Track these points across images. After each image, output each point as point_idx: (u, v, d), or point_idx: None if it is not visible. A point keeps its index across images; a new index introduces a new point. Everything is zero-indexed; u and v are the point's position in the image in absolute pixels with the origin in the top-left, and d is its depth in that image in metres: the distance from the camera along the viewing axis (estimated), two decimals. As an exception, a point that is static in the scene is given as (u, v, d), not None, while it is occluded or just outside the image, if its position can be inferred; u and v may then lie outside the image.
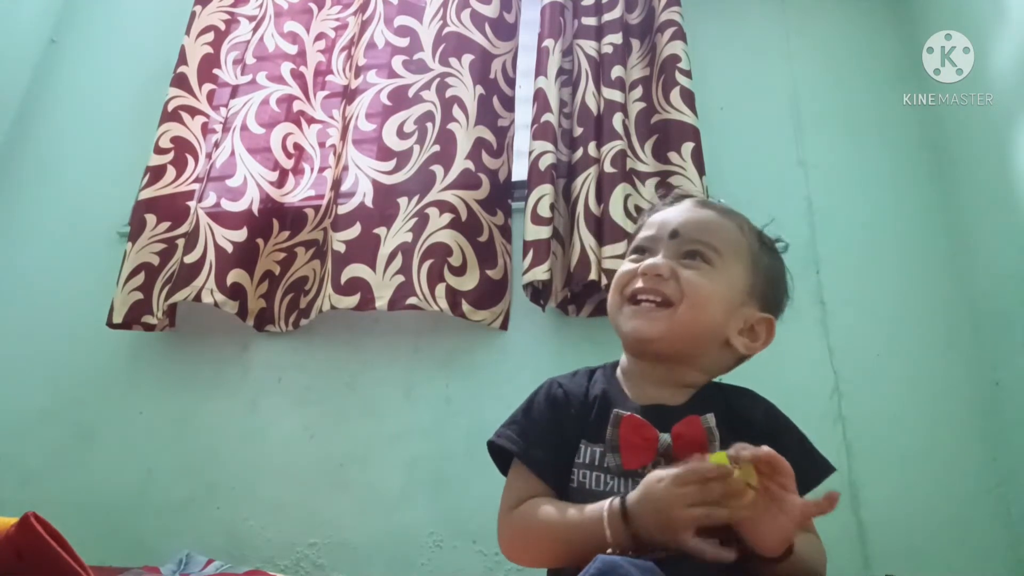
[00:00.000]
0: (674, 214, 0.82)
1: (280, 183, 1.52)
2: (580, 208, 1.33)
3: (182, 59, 1.63)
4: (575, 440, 0.75)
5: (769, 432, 0.74)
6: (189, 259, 1.39)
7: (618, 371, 0.82)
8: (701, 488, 0.60)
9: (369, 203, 1.41)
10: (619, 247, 1.28)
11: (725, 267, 0.77)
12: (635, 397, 0.77)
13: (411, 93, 1.50)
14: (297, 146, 1.56)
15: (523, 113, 1.51)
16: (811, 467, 0.74)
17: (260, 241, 1.46)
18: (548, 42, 1.48)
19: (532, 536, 0.72)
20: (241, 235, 1.43)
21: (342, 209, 1.41)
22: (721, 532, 0.62)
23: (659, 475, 0.63)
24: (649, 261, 0.78)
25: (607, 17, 1.52)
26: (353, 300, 1.33)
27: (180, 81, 1.60)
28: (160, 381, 1.46)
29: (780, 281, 0.82)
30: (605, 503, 0.66)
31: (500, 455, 0.81)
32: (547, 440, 0.76)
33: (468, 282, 1.37)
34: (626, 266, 0.81)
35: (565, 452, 0.75)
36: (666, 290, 0.75)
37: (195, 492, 1.35)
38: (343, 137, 1.49)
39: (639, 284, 0.77)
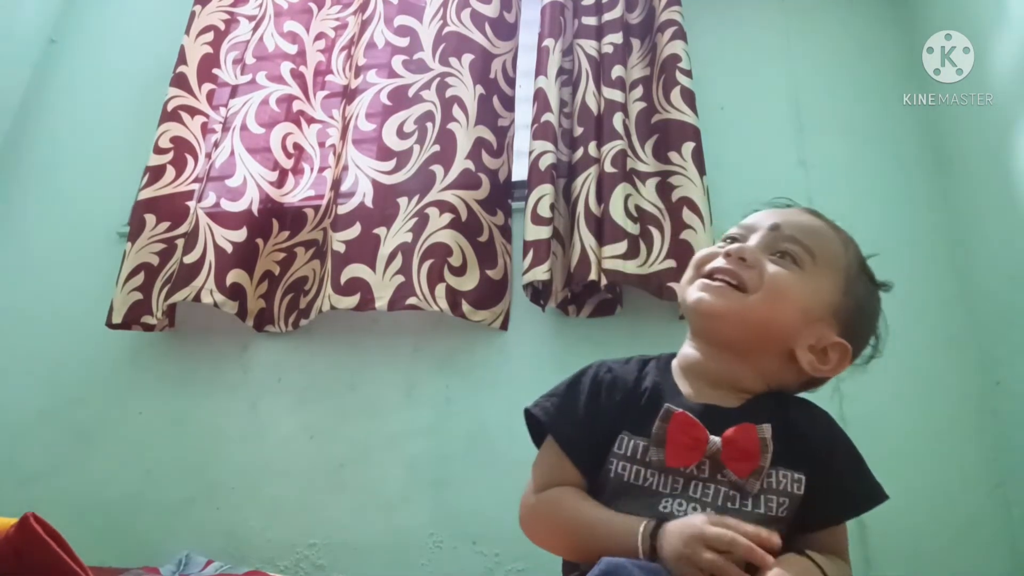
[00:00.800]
0: (778, 212, 0.79)
1: (280, 183, 1.52)
2: (580, 208, 1.33)
3: (182, 59, 1.62)
4: (615, 429, 0.73)
5: (825, 450, 0.71)
6: (189, 259, 1.39)
7: (673, 364, 0.78)
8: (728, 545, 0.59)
9: (369, 203, 1.41)
10: (619, 247, 1.27)
11: (816, 275, 0.73)
12: (688, 394, 0.73)
13: (411, 93, 1.50)
14: (297, 146, 1.56)
15: (523, 113, 1.51)
16: (862, 492, 0.71)
17: (260, 241, 1.46)
18: (548, 42, 1.48)
19: (558, 529, 0.72)
20: (241, 235, 1.42)
21: (342, 209, 1.41)
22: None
23: (698, 526, 0.61)
24: (737, 244, 0.75)
25: (607, 17, 1.51)
26: (353, 300, 1.33)
27: (180, 81, 1.60)
28: (159, 381, 1.46)
29: (871, 317, 0.77)
30: (640, 525, 0.64)
31: (535, 426, 0.80)
32: (583, 421, 0.74)
33: (468, 282, 1.36)
34: (711, 248, 0.78)
35: (601, 437, 0.73)
36: (745, 275, 0.72)
37: (195, 492, 1.35)
38: (343, 137, 1.49)
39: (719, 263, 0.74)
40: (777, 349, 0.73)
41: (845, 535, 0.73)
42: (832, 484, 0.70)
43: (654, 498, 0.69)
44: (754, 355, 0.73)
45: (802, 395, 0.79)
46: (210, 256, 1.40)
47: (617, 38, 1.48)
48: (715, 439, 0.68)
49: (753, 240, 0.75)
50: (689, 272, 0.78)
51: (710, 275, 0.75)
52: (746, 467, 0.68)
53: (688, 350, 0.78)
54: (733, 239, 0.78)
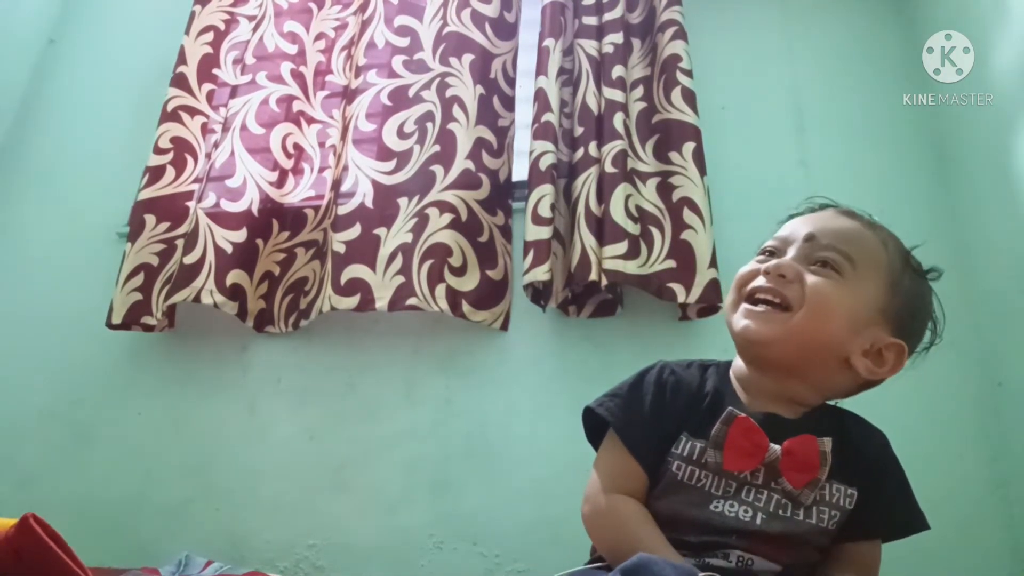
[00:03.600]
0: (812, 219, 0.77)
1: (280, 183, 1.51)
2: (581, 208, 1.32)
3: (181, 59, 1.62)
4: (676, 430, 0.73)
5: (877, 471, 0.73)
6: (188, 260, 1.39)
7: (731, 373, 0.79)
8: None
9: (369, 203, 1.41)
10: (620, 247, 1.27)
11: (858, 280, 0.71)
12: (748, 403, 0.74)
13: (411, 93, 1.50)
14: (297, 146, 1.56)
15: (523, 113, 1.51)
16: (905, 518, 0.73)
17: (260, 242, 1.46)
18: (549, 41, 1.48)
19: (617, 546, 0.70)
20: (241, 235, 1.42)
21: (342, 209, 1.41)
22: None
23: None
24: (774, 261, 0.74)
25: (608, 16, 1.51)
26: (353, 301, 1.33)
27: (179, 81, 1.60)
28: (159, 382, 1.46)
29: (923, 309, 0.76)
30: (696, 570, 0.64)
31: (593, 424, 0.80)
32: (649, 421, 0.74)
33: (468, 282, 1.36)
34: (750, 265, 0.77)
35: (664, 437, 0.74)
36: (787, 292, 0.72)
37: (194, 493, 1.35)
38: (343, 137, 1.49)
39: (759, 283, 0.74)
40: (831, 361, 0.72)
41: (879, 553, 0.74)
42: (880, 503, 0.72)
43: (706, 498, 0.71)
44: (808, 371, 0.73)
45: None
46: (210, 256, 1.39)
47: (618, 38, 1.48)
48: (775, 447, 0.69)
49: (790, 253, 0.74)
50: (732, 294, 0.78)
51: (752, 296, 0.74)
52: (803, 478, 0.68)
53: (742, 364, 0.77)
54: (771, 252, 0.77)
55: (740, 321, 0.74)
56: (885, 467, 0.74)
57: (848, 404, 0.82)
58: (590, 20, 1.52)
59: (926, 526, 0.73)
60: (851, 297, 0.71)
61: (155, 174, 1.51)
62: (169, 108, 1.57)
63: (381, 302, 1.32)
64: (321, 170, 1.55)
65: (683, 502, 0.71)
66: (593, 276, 1.26)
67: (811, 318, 0.70)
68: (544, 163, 1.36)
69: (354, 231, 1.39)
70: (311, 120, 1.60)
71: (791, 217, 0.81)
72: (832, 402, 0.78)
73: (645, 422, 0.75)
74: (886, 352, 0.72)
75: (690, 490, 0.71)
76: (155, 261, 1.46)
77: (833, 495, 0.71)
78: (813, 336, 0.70)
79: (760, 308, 0.73)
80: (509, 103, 1.54)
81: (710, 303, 1.25)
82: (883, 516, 0.72)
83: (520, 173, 1.49)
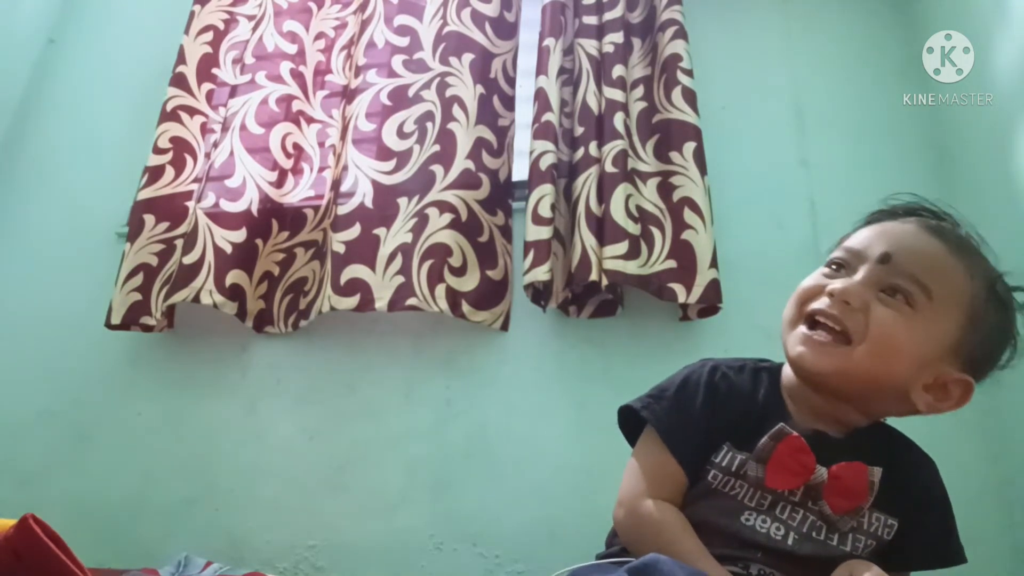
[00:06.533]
0: (892, 234, 0.68)
1: (279, 183, 1.51)
2: (581, 208, 1.32)
3: (181, 59, 1.62)
4: (721, 438, 0.70)
5: (924, 500, 0.70)
6: (188, 260, 1.38)
7: (783, 379, 0.74)
8: None
9: (369, 203, 1.41)
10: (620, 247, 1.27)
11: (933, 316, 0.64)
12: (797, 418, 0.71)
13: (411, 93, 1.50)
14: (296, 146, 1.56)
15: (524, 113, 1.51)
16: (945, 549, 0.70)
17: (259, 242, 1.46)
18: (549, 41, 1.48)
19: (660, 552, 0.68)
20: (240, 235, 1.42)
21: (342, 209, 1.41)
22: None
23: None
24: (842, 284, 0.66)
25: (608, 16, 1.51)
26: (353, 301, 1.33)
27: (179, 81, 1.60)
28: (158, 382, 1.45)
29: (1001, 343, 0.68)
30: None
31: (631, 421, 0.77)
32: (697, 427, 0.71)
33: (468, 283, 1.36)
34: (815, 279, 0.70)
35: (709, 444, 0.71)
36: (849, 323, 0.65)
37: (194, 494, 1.35)
38: (343, 137, 1.49)
39: (821, 304, 0.67)
40: (889, 394, 0.67)
41: None
42: (921, 537, 0.69)
43: (737, 508, 0.68)
44: (864, 402, 0.69)
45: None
46: (209, 256, 1.39)
47: (618, 37, 1.48)
48: (821, 469, 0.65)
49: (860, 274, 0.67)
50: (792, 310, 0.71)
51: (812, 317, 0.68)
52: (846, 505, 0.66)
53: (793, 375, 0.73)
54: (840, 265, 0.70)
55: (796, 347, 0.68)
56: (931, 497, 0.71)
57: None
58: (590, 20, 1.51)
59: (962, 559, 0.70)
60: (922, 335, 0.64)
61: (154, 174, 1.51)
62: (168, 108, 1.57)
63: (381, 302, 1.32)
64: (321, 170, 1.55)
65: (713, 510, 0.69)
66: (593, 276, 1.25)
67: (873, 356, 0.64)
68: (544, 163, 1.36)
69: (354, 231, 1.39)
70: (311, 120, 1.59)
71: (870, 219, 0.73)
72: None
73: (693, 427, 0.71)
74: (952, 387, 0.66)
75: (723, 497, 0.69)
76: (154, 261, 1.46)
77: (872, 524, 0.68)
78: (872, 373, 0.65)
79: (819, 335, 0.67)
80: (509, 103, 1.54)
81: (711, 303, 1.25)
82: (921, 550, 0.70)
83: (520, 173, 1.48)
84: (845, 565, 0.62)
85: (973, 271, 0.66)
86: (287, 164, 1.53)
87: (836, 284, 0.67)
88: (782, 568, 0.66)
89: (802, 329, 0.68)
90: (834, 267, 0.70)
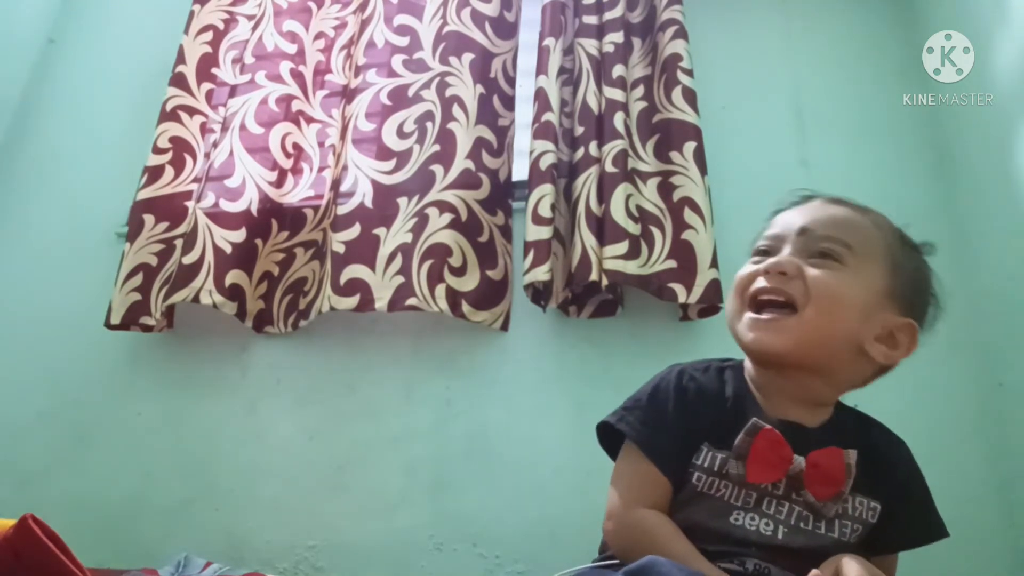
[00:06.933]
0: (801, 211, 0.75)
1: (279, 183, 1.51)
2: (581, 208, 1.32)
3: (180, 58, 1.62)
4: (699, 439, 0.72)
5: (902, 480, 0.73)
6: (187, 260, 1.38)
7: (746, 375, 0.76)
8: None
9: (369, 203, 1.40)
10: (620, 247, 1.27)
11: (859, 267, 0.69)
12: (768, 409, 0.72)
13: (411, 92, 1.50)
14: (296, 146, 1.56)
15: (524, 112, 1.51)
16: (926, 526, 0.73)
17: (259, 242, 1.46)
18: (549, 41, 1.48)
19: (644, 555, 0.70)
20: (240, 235, 1.42)
21: (341, 209, 1.41)
22: None
23: None
24: (773, 259, 0.72)
25: (608, 16, 1.51)
26: (352, 301, 1.33)
27: (178, 80, 1.60)
28: (158, 382, 1.45)
29: (925, 285, 0.74)
30: None
31: (610, 436, 0.78)
32: (673, 432, 0.72)
33: (468, 283, 1.36)
34: (747, 268, 0.75)
35: (687, 447, 0.72)
36: (790, 290, 0.69)
37: (194, 494, 1.35)
38: (342, 137, 1.49)
39: (761, 284, 0.71)
40: (846, 352, 0.70)
41: (896, 561, 0.74)
42: (904, 518, 0.71)
43: (725, 509, 0.69)
44: (825, 367, 0.71)
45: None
46: (209, 256, 1.39)
47: (618, 37, 1.48)
48: (799, 459, 0.67)
49: (786, 249, 0.72)
50: (734, 301, 0.75)
51: (755, 299, 0.72)
52: (827, 491, 0.67)
53: (754, 368, 0.76)
54: (765, 252, 0.75)
55: (748, 334, 0.71)
56: (908, 476, 0.73)
57: (853, 404, 0.82)
58: (590, 19, 1.51)
59: (944, 534, 0.73)
60: (856, 284, 0.69)
61: (154, 174, 1.51)
62: (168, 108, 1.57)
63: (381, 302, 1.32)
64: (320, 170, 1.55)
65: (702, 513, 0.70)
66: (593, 276, 1.25)
67: (820, 313, 0.68)
68: (544, 163, 1.36)
69: (353, 231, 1.38)
70: (310, 120, 1.59)
71: (777, 213, 0.79)
72: (852, 404, 0.77)
73: (669, 433, 0.72)
74: (899, 334, 0.70)
75: (710, 500, 0.70)
76: (154, 261, 1.45)
77: (856, 508, 0.70)
78: (826, 331, 0.68)
79: (766, 316, 0.70)
80: (509, 103, 1.54)
81: (711, 303, 1.25)
82: (906, 527, 0.72)
83: (520, 173, 1.48)
84: (832, 559, 0.64)
85: (879, 224, 0.74)
86: (287, 164, 1.53)
87: (768, 261, 0.72)
88: (776, 562, 0.67)
89: (749, 315, 0.72)
90: (760, 256, 0.75)
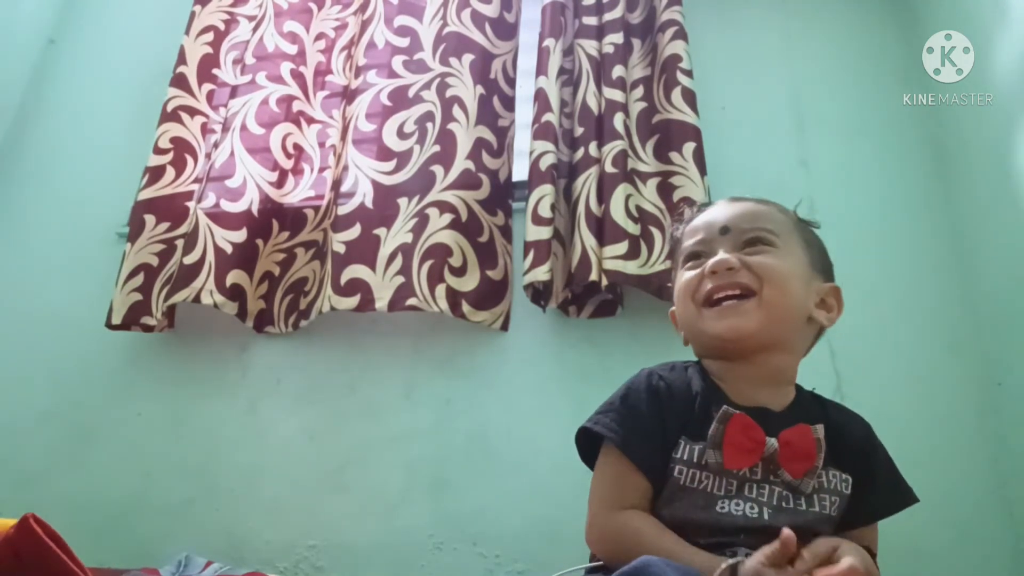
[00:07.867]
0: (716, 213, 0.81)
1: (280, 183, 1.51)
2: (581, 208, 1.32)
3: (181, 59, 1.62)
4: (675, 435, 0.74)
5: (865, 452, 0.76)
6: (188, 260, 1.39)
7: (708, 371, 0.79)
8: None
9: (369, 204, 1.41)
10: (620, 247, 1.27)
11: (786, 246, 0.77)
12: (735, 397, 0.75)
13: (411, 93, 1.50)
14: (297, 146, 1.56)
15: (524, 113, 1.51)
16: (898, 493, 0.76)
17: (260, 242, 1.46)
18: (549, 42, 1.48)
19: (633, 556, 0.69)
20: (240, 236, 1.42)
21: (342, 210, 1.41)
22: None
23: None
24: (715, 258, 0.76)
25: (608, 17, 1.51)
26: (353, 301, 1.33)
27: (179, 81, 1.60)
28: (159, 382, 1.46)
29: (825, 252, 0.83)
30: (718, 567, 0.64)
31: (586, 441, 0.80)
32: (648, 431, 0.74)
33: (468, 283, 1.36)
34: (687, 274, 0.79)
35: (665, 444, 0.74)
36: (743, 280, 0.74)
37: (194, 494, 1.35)
38: (343, 137, 1.49)
39: (711, 284, 0.76)
40: (799, 323, 0.77)
41: (876, 532, 0.77)
42: (871, 485, 0.74)
43: (710, 500, 0.71)
44: (786, 339, 0.76)
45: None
46: (210, 257, 1.39)
47: (618, 38, 1.48)
48: (772, 441, 0.70)
49: (721, 250, 0.77)
50: (686, 306, 0.79)
51: (710, 298, 0.76)
52: (801, 467, 0.70)
53: (712, 362, 0.79)
54: (696, 256, 0.80)
55: (718, 325, 0.75)
56: (871, 448, 0.77)
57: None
58: (590, 20, 1.52)
59: (914, 499, 0.77)
60: (790, 262, 0.76)
61: (155, 174, 1.51)
62: (169, 108, 1.57)
63: (381, 302, 1.32)
64: (321, 170, 1.55)
65: (688, 506, 0.71)
66: (593, 276, 1.26)
67: (776, 290, 0.74)
68: (544, 163, 1.36)
69: (354, 231, 1.39)
70: (311, 120, 1.59)
71: (687, 224, 0.84)
72: (810, 389, 0.81)
73: (645, 432, 0.74)
74: (828, 298, 0.79)
75: (694, 493, 0.71)
76: (155, 261, 1.46)
77: (831, 481, 0.73)
78: (785, 306, 0.74)
79: (729, 304, 0.75)
80: (509, 103, 1.54)
81: (710, 303, 1.25)
82: (877, 496, 0.75)
83: (520, 173, 1.48)
84: (826, 540, 0.65)
85: (782, 210, 0.82)
86: (287, 164, 1.53)
87: (711, 261, 0.76)
88: (765, 544, 0.67)
89: (710, 310, 0.76)
90: (694, 261, 0.80)
